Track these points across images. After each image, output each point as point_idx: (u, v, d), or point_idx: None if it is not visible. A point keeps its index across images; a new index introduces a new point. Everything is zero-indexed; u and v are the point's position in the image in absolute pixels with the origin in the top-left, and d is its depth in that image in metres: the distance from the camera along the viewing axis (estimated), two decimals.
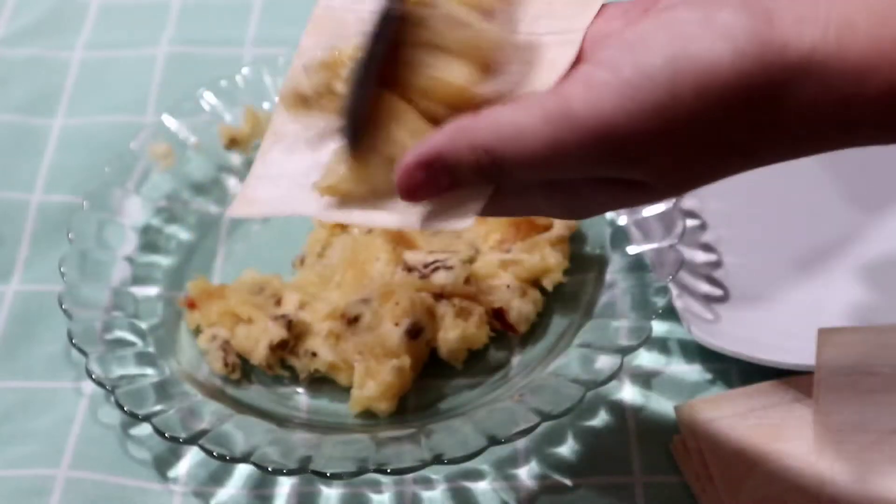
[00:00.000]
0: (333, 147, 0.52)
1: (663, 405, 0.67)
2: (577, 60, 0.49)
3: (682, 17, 0.44)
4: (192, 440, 0.61)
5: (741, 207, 0.76)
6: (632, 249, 0.71)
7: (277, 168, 0.53)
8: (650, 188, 0.47)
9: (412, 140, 0.49)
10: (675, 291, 0.68)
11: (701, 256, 0.73)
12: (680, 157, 0.45)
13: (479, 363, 0.69)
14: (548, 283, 0.71)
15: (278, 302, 0.70)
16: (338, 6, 0.55)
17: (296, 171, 0.52)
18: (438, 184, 0.47)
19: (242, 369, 0.69)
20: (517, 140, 0.45)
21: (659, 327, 0.70)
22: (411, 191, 0.48)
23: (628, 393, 0.67)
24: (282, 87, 0.55)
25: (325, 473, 0.60)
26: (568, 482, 0.64)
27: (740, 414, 0.64)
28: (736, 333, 0.68)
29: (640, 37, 0.44)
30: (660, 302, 0.66)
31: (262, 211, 0.54)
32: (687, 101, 0.43)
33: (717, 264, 0.73)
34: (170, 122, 0.80)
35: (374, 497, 0.64)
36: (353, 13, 0.53)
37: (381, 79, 0.50)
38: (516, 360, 0.69)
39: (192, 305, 0.71)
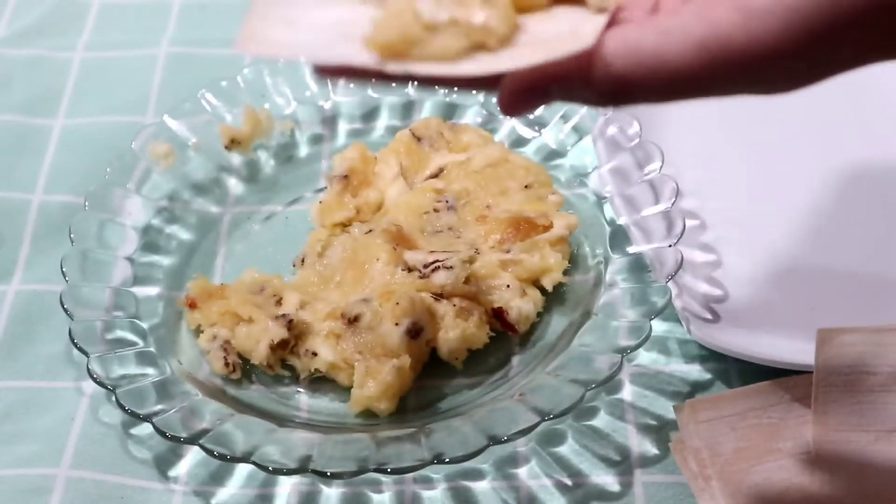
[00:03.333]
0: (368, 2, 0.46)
1: (663, 405, 0.67)
2: None
3: None
4: (193, 440, 0.61)
5: (741, 207, 0.76)
6: (632, 249, 0.71)
7: (296, 11, 0.46)
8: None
9: None
10: (674, 291, 0.68)
11: (701, 256, 0.73)
12: (829, 68, 0.43)
13: (479, 363, 0.69)
14: (548, 283, 0.71)
15: (279, 302, 0.70)
16: None
17: (322, 18, 0.46)
18: (547, 101, 0.45)
19: (243, 369, 0.69)
20: (660, 70, 0.42)
21: (659, 327, 0.70)
22: (514, 110, 0.45)
23: (628, 393, 0.68)
24: None
25: (326, 473, 0.60)
26: (568, 482, 0.64)
27: (740, 414, 0.64)
28: (735, 333, 0.68)
29: None
30: (659, 302, 0.66)
31: (285, 53, 0.46)
32: (845, 25, 0.41)
33: (716, 264, 0.73)
34: (170, 122, 0.80)
35: (375, 497, 0.64)
36: None
37: None
38: (516, 359, 0.69)
39: (192, 305, 0.71)
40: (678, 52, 0.41)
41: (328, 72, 0.46)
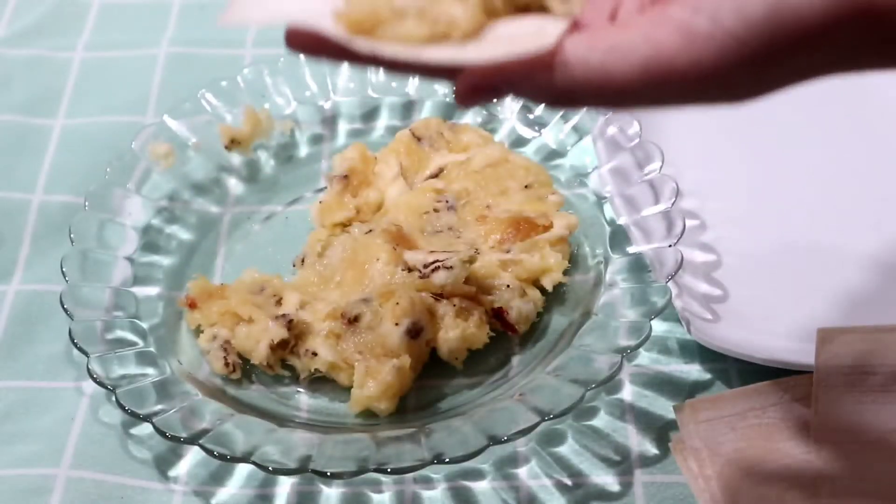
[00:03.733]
0: None
1: (663, 405, 0.67)
2: None
3: None
4: (193, 440, 0.61)
5: (741, 207, 0.76)
6: (632, 249, 0.71)
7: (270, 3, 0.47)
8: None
9: None
10: (674, 291, 0.68)
11: (701, 256, 0.73)
12: (770, 84, 0.45)
13: (479, 363, 0.69)
14: (548, 283, 0.71)
15: (279, 302, 0.70)
16: None
17: (297, 2, 0.47)
18: (499, 97, 0.47)
19: (243, 369, 0.69)
20: (606, 87, 0.44)
21: (658, 327, 0.70)
22: (468, 101, 0.47)
23: (628, 393, 0.68)
24: None
25: (326, 473, 0.60)
26: (568, 482, 0.64)
27: (739, 413, 0.64)
28: (735, 333, 0.68)
29: None
30: (659, 302, 0.66)
31: (258, 18, 0.47)
32: (785, 48, 0.43)
33: (716, 264, 0.73)
34: (170, 122, 0.80)
35: (375, 497, 0.64)
36: None
37: None
38: (516, 360, 0.69)
39: (192, 305, 0.71)
40: (623, 71, 0.43)
41: (300, 43, 0.47)
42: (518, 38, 0.45)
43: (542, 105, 0.45)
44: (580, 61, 0.44)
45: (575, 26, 0.46)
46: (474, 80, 0.45)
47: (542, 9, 0.47)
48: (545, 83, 0.44)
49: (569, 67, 0.44)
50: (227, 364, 0.68)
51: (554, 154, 0.79)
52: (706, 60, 0.43)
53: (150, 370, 0.67)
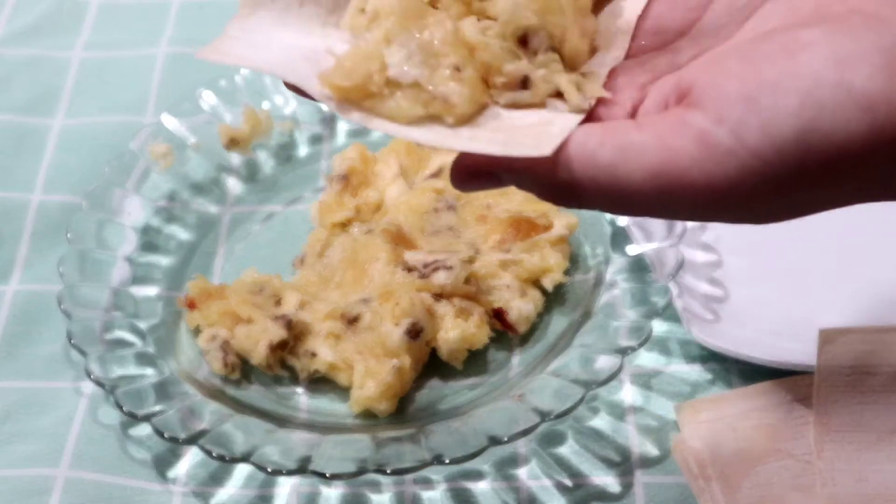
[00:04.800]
0: (344, 35, 0.44)
1: (663, 405, 0.67)
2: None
3: (814, 71, 0.38)
4: (192, 440, 0.61)
5: None
6: (632, 249, 0.71)
7: (264, 36, 0.44)
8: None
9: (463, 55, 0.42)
10: (675, 291, 0.68)
11: (701, 256, 0.73)
12: (794, 210, 0.41)
13: (479, 363, 0.69)
14: (548, 283, 0.71)
15: (278, 302, 0.70)
16: None
17: (290, 44, 0.43)
18: (499, 185, 0.43)
19: (242, 369, 0.69)
20: (612, 190, 0.40)
21: (659, 327, 0.70)
22: (465, 186, 0.43)
23: (628, 393, 0.67)
24: None
25: (325, 474, 0.60)
26: (568, 482, 0.64)
27: (740, 414, 0.64)
28: (736, 333, 0.67)
29: (765, 88, 0.38)
30: (660, 302, 0.66)
31: (253, 65, 0.43)
32: (813, 175, 0.39)
33: (717, 264, 0.73)
34: (169, 121, 0.80)
35: (374, 497, 0.64)
36: None
37: None
38: (516, 360, 0.69)
39: (191, 305, 0.71)
40: (632, 174, 0.39)
41: (295, 90, 0.44)
42: (519, 130, 0.41)
43: (545, 199, 0.42)
44: (587, 158, 0.40)
45: (590, 116, 0.42)
46: (472, 165, 0.42)
47: (557, 94, 0.42)
48: (547, 178, 0.40)
49: (574, 163, 0.40)
50: (226, 364, 0.68)
51: None
52: (723, 177, 0.38)
53: (149, 370, 0.67)
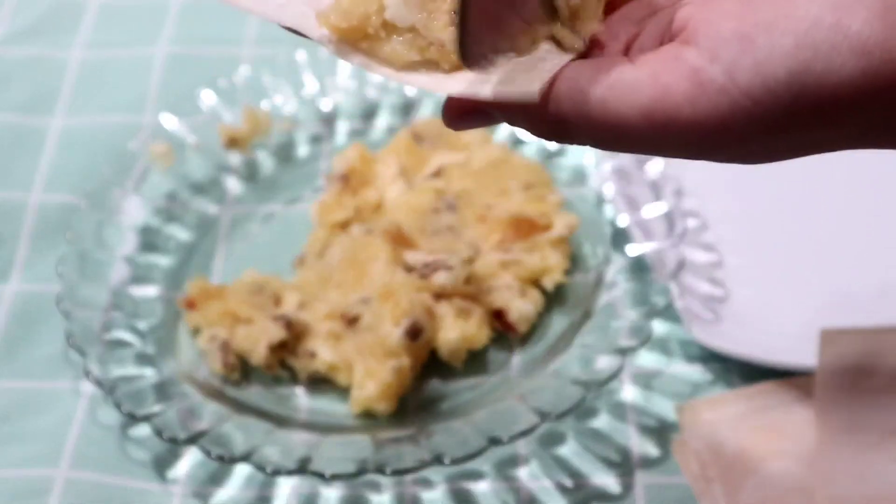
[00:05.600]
0: None
1: (664, 405, 0.67)
2: None
3: (811, 14, 0.38)
4: (192, 441, 0.61)
5: (741, 207, 0.76)
6: (632, 249, 0.71)
7: None
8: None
9: None
10: (675, 291, 0.68)
11: (702, 256, 0.73)
12: (783, 152, 0.41)
13: (479, 363, 0.69)
14: (548, 283, 0.71)
15: (278, 302, 0.70)
16: None
17: None
18: (491, 123, 0.43)
19: (242, 369, 0.69)
20: (604, 126, 0.40)
21: (659, 327, 0.70)
22: (457, 125, 0.43)
23: (629, 393, 0.67)
24: None
25: (325, 474, 0.60)
26: (568, 483, 0.64)
27: (741, 414, 0.64)
28: (736, 334, 0.67)
29: (761, 28, 0.38)
30: (660, 302, 0.66)
31: (253, 7, 0.43)
32: (804, 118, 0.39)
33: (717, 264, 0.73)
34: (169, 121, 0.79)
35: (374, 498, 0.64)
36: None
37: None
38: (516, 360, 0.69)
39: (191, 305, 0.70)
40: (623, 110, 0.39)
41: (294, 32, 0.43)
42: (511, 71, 0.41)
43: (537, 136, 0.41)
44: (579, 94, 0.40)
45: (587, 53, 0.42)
46: (464, 104, 0.42)
47: (552, 38, 0.42)
48: (539, 114, 0.41)
49: (564, 100, 0.40)
50: (225, 365, 0.68)
51: (554, 154, 0.79)
52: (715, 115, 0.38)
53: (148, 371, 0.67)
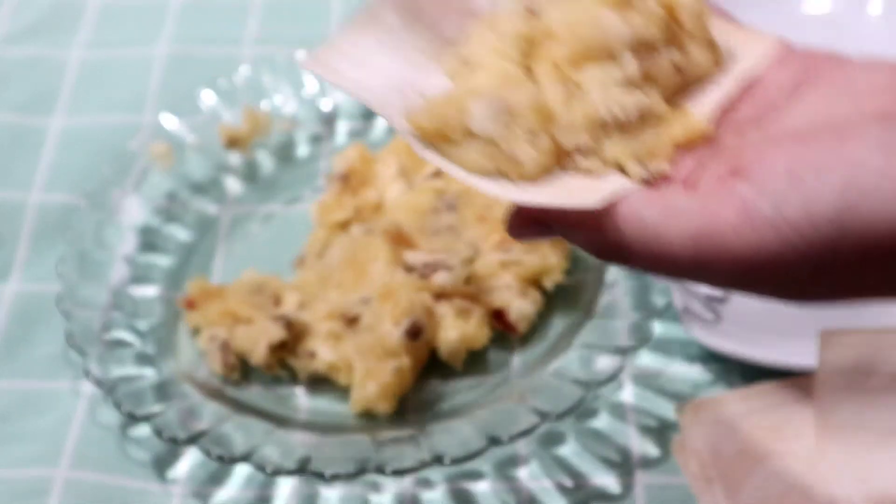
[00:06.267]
0: (441, 74, 0.46)
1: (664, 405, 0.67)
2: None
3: (860, 157, 0.38)
4: (191, 441, 0.61)
5: None
6: None
7: (365, 54, 0.46)
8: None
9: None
10: (675, 291, 0.68)
11: None
12: (836, 293, 0.41)
13: (479, 363, 0.69)
14: (548, 283, 0.71)
15: (278, 302, 0.70)
16: None
17: (387, 69, 0.46)
18: (551, 236, 0.45)
19: (242, 369, 0.69)
20: (656, 250, 0.41)
21: (659, 327, 0.70)
22: (518, 235, 0.45)
23: (629, 393, 0.67)
24: None
25: (325, 474, 0.60)
26: (568, 483, 0.64)
27: (741, 414, 0.63)
28: (737, 334, 0.67)
29: (811, 166, 0.39)
30: (660, 302, 0.66)
31: (347, 87, 0.46)
32: (849, 258, 0.39)
33: None
34: (169, 121, 0.79)
35: (374, 497, 0.64)
36: None
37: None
38: (516, 360, 0.69)
39: (191, 305, 0.70)
40: (673, 236, 0.40)
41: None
42: (578, 188, 0.43)
43: (592, 254, 0.43)
44: (634, 217, 0.41)
45: (646, 183, 0.43)
46: (527, 214, 0.43)
47: (619, 168, 0.44)
48: (596, 234, 0.42)
49: (620, 221, 0.41)
50: (225, 365, 0.68)
51: None
52: (761, 247, 0.39)
53: (148, 371, 0.67)
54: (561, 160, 0.44)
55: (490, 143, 0.43)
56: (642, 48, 0.44)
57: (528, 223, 0.44)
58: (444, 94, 0.44)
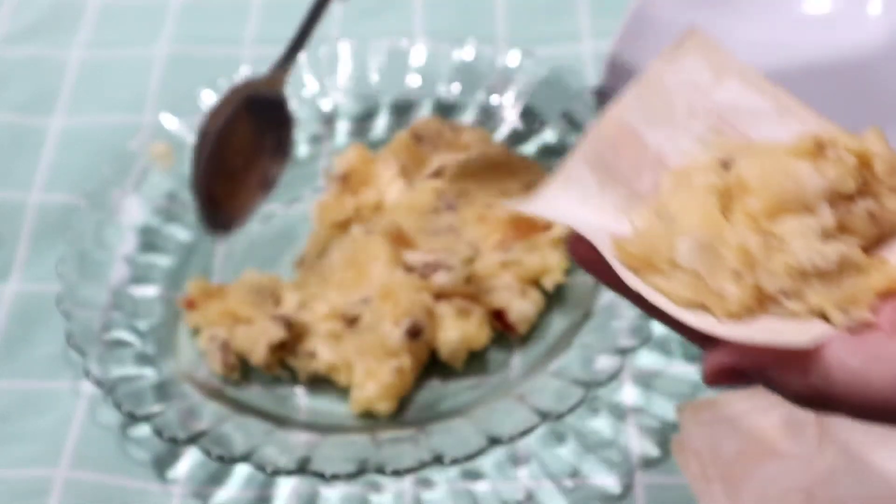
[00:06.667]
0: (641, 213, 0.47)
1: (664, 405, 0.67)
2: None
3: None
4: (191, 441, 0.61)
5: None
6: None
7: (565, 208, 0.47)
8: None
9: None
10: None
11: None
12: None
13: (479, 363, 0.69)
14: (548, 283, 0.71)
15: (278, 302, 0.70)
16: (670, 83, 0.49)
17: (589, 220, 0.47)
18: (748, 383, 0.44)
19: (242, 369, 0.69)
20: (864, 397, 0.41)
21: (659, 327, 0.69)
22: (716, 381, 0.44)
23: (629, 393, 0.67)
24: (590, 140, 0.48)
25: (325, 474, 0.60)
26: (568, 482, 0.64)
27: (741, 414, 0.63)
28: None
29: None
30: None
31: (557, 215, 0.48)
32: None
33: None
34: (169, 121, 0.79)
35: (374, 497, 0.64)
36: (686, 100, 0.48)
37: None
38: (516, 360, 0.69)
39: (191, 305, 0.70)
40: (882, 383, 0.40)
41: (578, 251, 0.46)
42: (780, 329, 0.43)
43: (793, 403, 0.44)
44: (839, 363, 0.41)
45: (849, 330, 0.43)
46: (726, 360, 0.43)
47: (821, 315, 0.44)
48: (799, 379, 0.41)
49: (826, 367, 0.41)
50: (225, 364, 0.68)
51: (554, 153, 0.79)
52: None
53: (148, 371, 0.66)
54: (763, 303, 0.44)
55: (695, 276, 0.44)
56: (837, 198, 0.45)
57: (727, 369, 0.43)
58: (652, 225, 0.45)
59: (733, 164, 0.46)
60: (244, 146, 0.71)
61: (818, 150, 0.45)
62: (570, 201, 0.47)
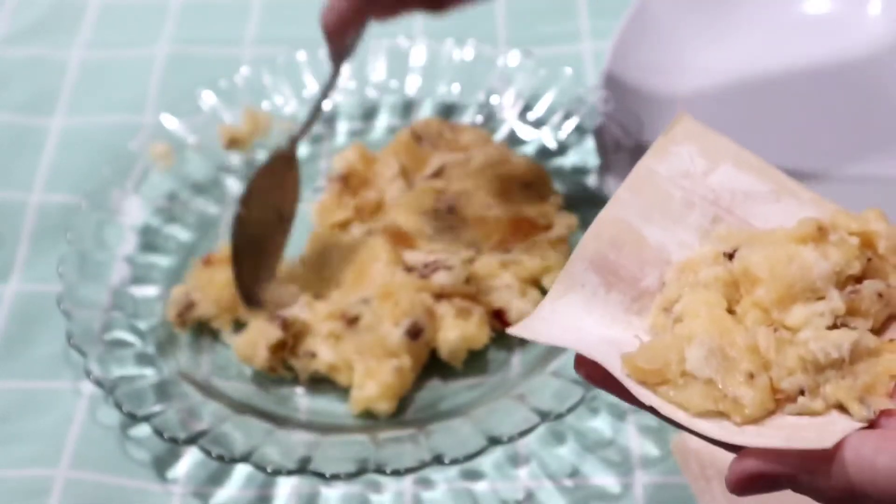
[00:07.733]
0: (646, 327, 0.47)
1: None
2: None
3: None
4: (192, 441, 0.61)
5: None
6: None
7: (571, 320, 0.46)
8: None
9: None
10: None
11: None
12: None
13: (479, 363, 0.69)
14: (548, 283, 0.71)
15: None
16: (663, 175, 0.49)
17: (595, 329, 0.46)
18: (776, 489, 0.43)
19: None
20: (890, 492, 0.41)
21: None
22: (741, 489, 0.43)
23: None
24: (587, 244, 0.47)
25: (325, 474, 0.60)
26: (568, 482, 0.64)
27: None
28: None
29: None
30: None
31: (557, 338, 0.46)
32: None
33: None
34: (169, 121, 0.79)
35: (374, 498, 0.64)
36: (681, 190, 0.48)
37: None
38: (516, 360, 0.69)
39: (208, 263, 0.71)
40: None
41: (585, 370, 0.46)
42: (801, 428, 0.43)
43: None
44: (866, 463, 0.40)
45: (870, 424, 0.43)
46: (752, 469, 0.42)
47: (840, 407, 0.44)
48: (825, 481, 0.41)
49: (850, 467, 0.41)
50: (179, 316, 0.69)
51: (554, 154, 0.79)
52: None
53: (148, 371, 0.67)
54: (780, 402, 0.44)
55: (709, 384, 0.43)
56: (844, 281, 0.45)
57: (754, 477, 0.42)
58: (659, 338, 0.45)
59: (736, 254, 0.46)
60: (264, 216, 0.72)
61: (820, 234, 0.45)
62: (575, 309, 0.46)
